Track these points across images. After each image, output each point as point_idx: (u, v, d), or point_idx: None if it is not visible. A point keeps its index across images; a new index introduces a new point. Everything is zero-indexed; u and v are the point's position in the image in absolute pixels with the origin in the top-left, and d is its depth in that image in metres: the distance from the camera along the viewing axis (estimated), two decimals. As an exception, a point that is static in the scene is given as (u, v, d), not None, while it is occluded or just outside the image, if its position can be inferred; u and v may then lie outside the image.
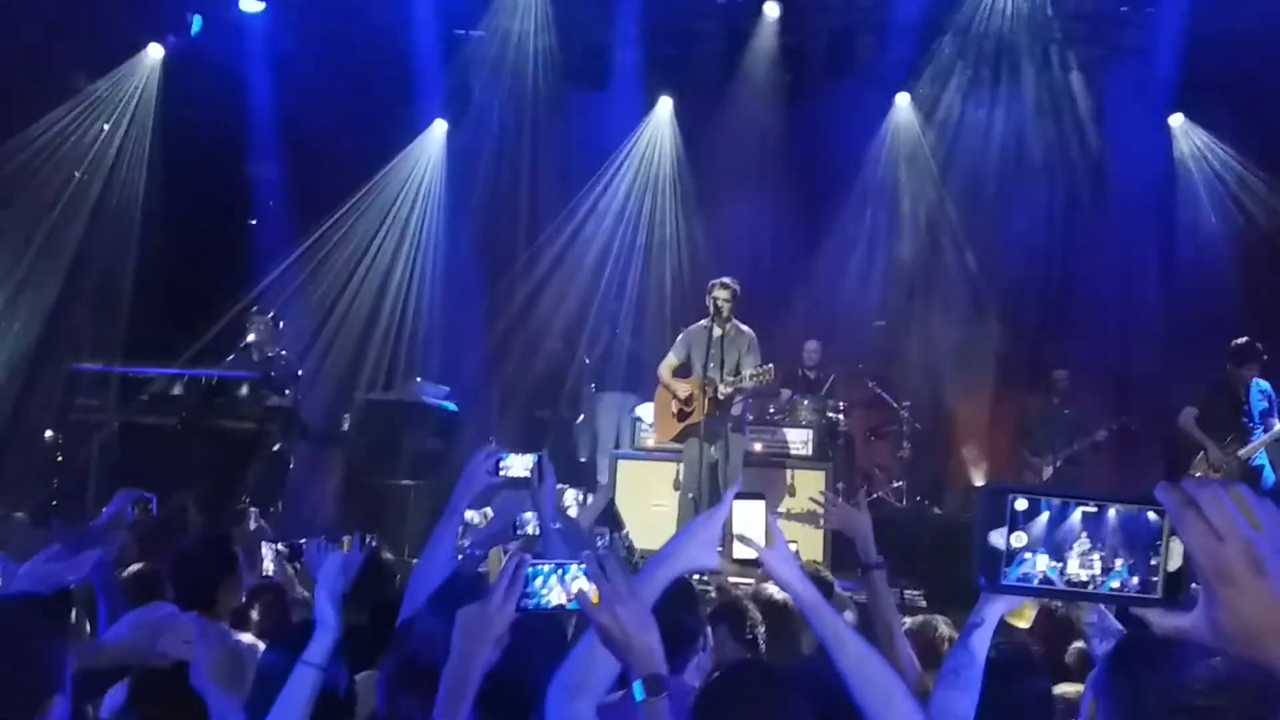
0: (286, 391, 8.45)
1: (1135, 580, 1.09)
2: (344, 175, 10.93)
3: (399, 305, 11.11)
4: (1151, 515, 1.09)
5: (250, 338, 8.62)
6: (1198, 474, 7.65)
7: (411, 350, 10.82)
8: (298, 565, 5.18)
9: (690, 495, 7.83)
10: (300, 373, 8.83)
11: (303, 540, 5.38)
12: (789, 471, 8.61)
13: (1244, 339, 8.06)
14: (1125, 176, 10.63)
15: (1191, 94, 10.12)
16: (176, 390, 8.17)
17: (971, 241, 11.10)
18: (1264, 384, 7.84)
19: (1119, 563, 1.10)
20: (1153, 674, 1.95)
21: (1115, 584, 1.10)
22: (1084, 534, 1.10)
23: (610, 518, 8.07)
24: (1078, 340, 10.48)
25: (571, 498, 8.07)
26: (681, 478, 8.12)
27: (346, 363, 10.65)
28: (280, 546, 5.62)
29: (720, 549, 2.01)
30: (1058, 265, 11.01)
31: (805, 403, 9.40)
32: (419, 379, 9.66)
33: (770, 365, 7.65)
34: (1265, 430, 7.73)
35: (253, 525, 6.97)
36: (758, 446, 8.71)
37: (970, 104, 11.02)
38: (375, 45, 10.47)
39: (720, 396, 7.67)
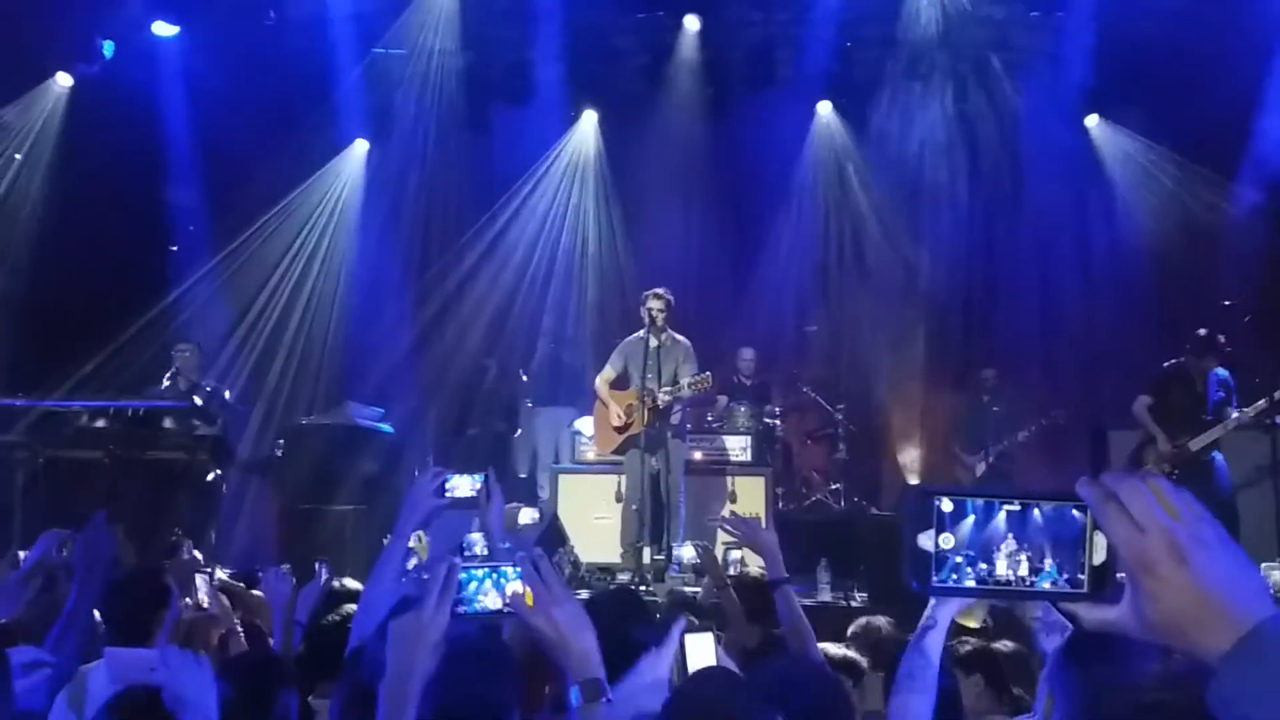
0: (216, 420, 8.28)
1: (1063, 577, 1.10)
2: (264, 197, 10.78)
3: (325, 328, 10.93)
4: (1075, 511, 1.10)
5: (176, 366, 8.46)
6: (1148, 464, 7.80)
7: (342, 373, 10.65)
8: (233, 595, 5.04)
9: (634, 507, 7.85)
10: (229, 399, 8.65)
11: (259, 569, 5.28)
12: (729, 478, 8.66)
13: (1205, 331, 8.16)
14: (1044, 177, 10.89)
15: (1104, 94, 10.40)
16: (103, 423, 7.94)
17: (897, 245, 11.30)
18: (1223, 373, 7.93)
19: (1046, 560, 1.10)
20: (1106, 666, 1.99)
21: (1044, 582, 1.11)
22: (1010, 534, 1.11)
23: (554, 532, 8.04)
24: (1004, 338, 10.72)
25: (528, 515, 8.01)
26: (624, 489, 8.12)
27: (276, 388, 10.46)
28: (223, 575, 5.50)
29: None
30: (981, 266, 11.23)
31: (742, 409, 9.47)
32: (351, 401, 9.51)
33: (708, 373, 7.70)
34: (1222, 419, 7.81)
35: (185, 556, 6.81)
36: (697, 455, 8.75)
37: (890, 111, 11.19)
38: (293, 66, 10.31)
39: (659, 406, 7.69)
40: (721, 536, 8.22)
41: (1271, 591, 3.87)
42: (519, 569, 1.95)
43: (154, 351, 9.33)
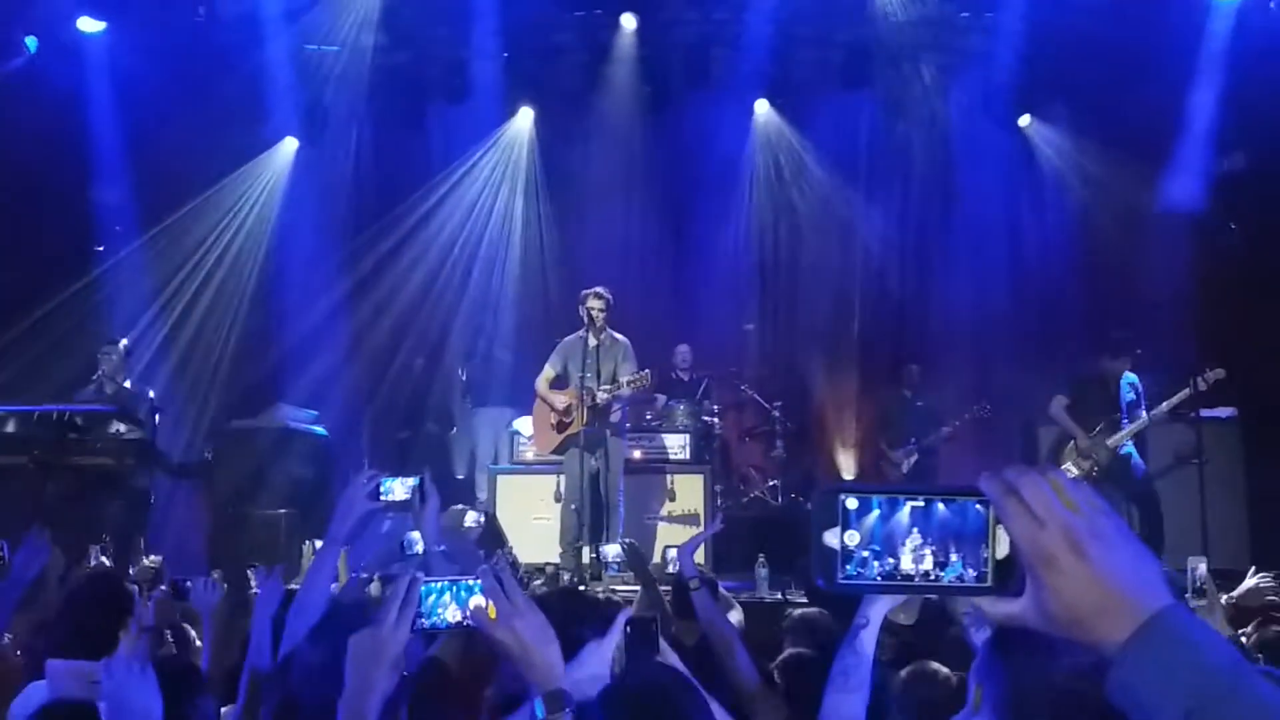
0: (143, 422, 8.11)
1: (969, 571, 1.11)
2: (193, 196, 10.56)
3: (256, 328, 10.74)
4: (978, 506, 1.11)
5: (101, 369, 8.26)
6: (1067, 463, 7.99)
7: (274, 374, 10.47)
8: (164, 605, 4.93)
9: (573, 506, 7.83)
10: (155, 402, 8.47)
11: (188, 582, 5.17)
12: (669, 476, 8.66)
13: (1119, 333, 8.40)
14: (977, 175, 11.06)
15: (1035, 93, 10.57)
16: (26, 428, 7.73)
17: (833, 243, 11.39)
18: (1133, 377, 8.15)
19: (951, 555, 1.11)
20: (1031, 656, 2.02)
21: (949, 576, 1.12)
22: (914, 529, 1.12)
23: (492, 534, 7.99)
24: (937, 335, 10.88)
25: (472, 518, 7.94)
26: (563, 489, 8.10)
27: (206, 390, 10.27)
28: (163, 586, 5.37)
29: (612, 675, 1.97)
30: (915, 263, 11.40)
31: (681, 408, 9.49)
32: (283, 404, 9.37)
33: (647, 371, 7.71)
34: (1133, 420, 8.06)
35: (93, 563, 6.66)
36: (636, 453, 8.75)
37: (826, 111, 11.30)
38: (223, 62, 10.13)
39: (598, 405, 7.68)
40: (661, 536, 8.26)
41: (1199, 582, 3.94)
42: (480, 582, 1.91)
43: (79, 354, 9.11)
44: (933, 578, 1.12)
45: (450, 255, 11.37)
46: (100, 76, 9.95)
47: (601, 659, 1.97)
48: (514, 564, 7.73)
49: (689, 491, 8.62)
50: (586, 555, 7.68)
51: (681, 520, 8.41)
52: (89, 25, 9.84)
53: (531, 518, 8.47)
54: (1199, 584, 4.21)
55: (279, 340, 10.63)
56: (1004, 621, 1.08)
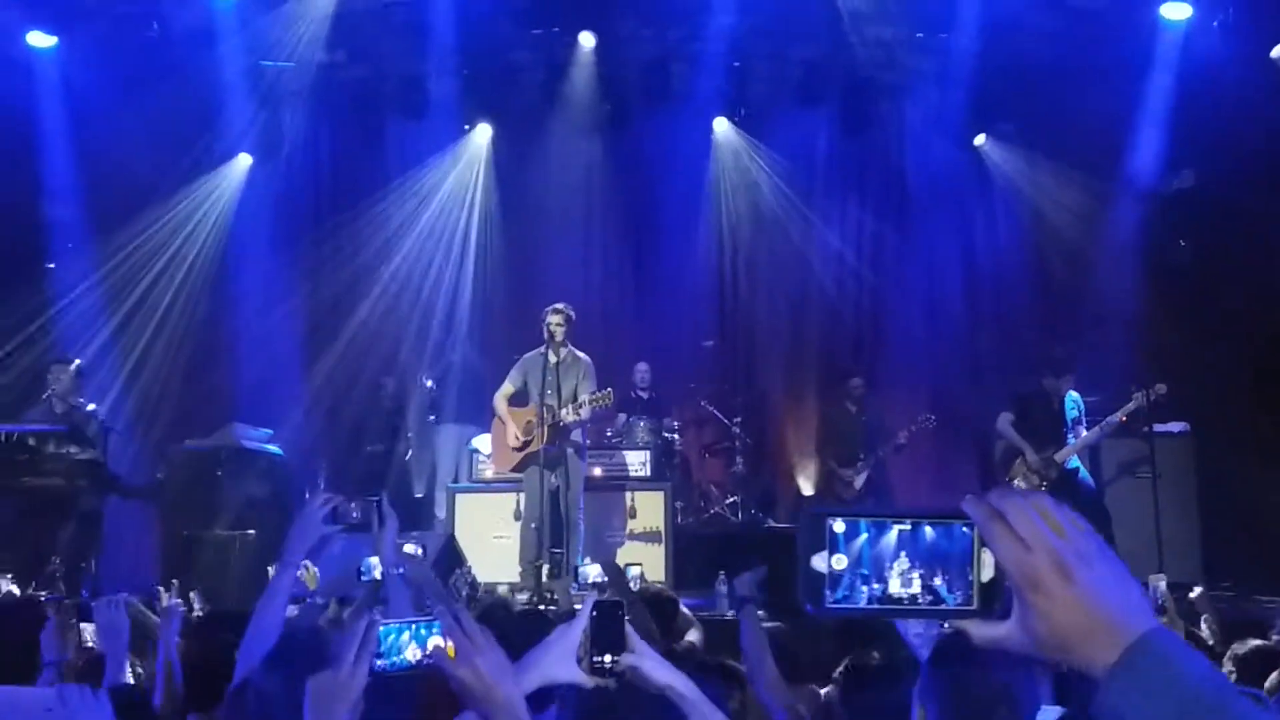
0: (94, 443, 7.97)
1: (955, 594, 1.12)
2: (146, 213, 10.42)
3: (209, 347, 10.59)
4: (963, 529, 1.12)
5: (52, 389, 8.12)
6: (1017, 478, 8.09)
7: (228, 394, 10.33)
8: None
9: (533, 525, 7.77)
10: (107, 422, 8.33)
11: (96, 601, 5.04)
12: (629, 494, 8.66)
13: (1063, 351, 8.57)
14: (931, 193, 11.18)
15: (989, 112, 10.70)
16: (-26, 449, 7.59)
17: (790, 259, 11.46)
18: (1075, 395, 8.28)
19: (937, 578, 1.12)
20: (970, 669, 2.06)
21: (935, 599, 1.13)
22: (901, 552, 1.13)
23: (451, 553, 7.92)
24: (893, 349, 10.98)
25: (410, 548, 7.86)
26: (523, 508, 8.05)
27: (158, 410, 10.12)
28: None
29: (579, 659, 1.95)
30: (868, 278, 11.49)
31: (641, 424, 9.50)
32: (237, 423, 9.24)
33: (609, 390, 7.71)
34: (1076, 437, 8.18)
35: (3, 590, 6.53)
36: (597, 471, 8.74)
37: (784, 129, 11.38)
38: (177, 78, 10.00)
39: (560, 423, 7.64)
40: (622, 554, 8.23)
41: (1160, 600, 3.97)
42: (439, 623, 1.93)
43: (29, 373, 8.97)
44: (920, 601, 1.13)
45: (407, 272, 11.31)
46: (51, 92, 9.80)
47: (568, 644, 1.96)
48: (473, 584, 7.67)
49: (649, 509, 8.62)
50: (545, 573, 7.64)
51: (642, 538, 8.41)
52: (40, 40, 9.68)
53: (491, 536, 8.43)
54: (1160, 601, 4.24)
55: (233, 359, 10.50)
56: (991, 645, 1.09)
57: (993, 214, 11.21)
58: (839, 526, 1.13)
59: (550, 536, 7.67)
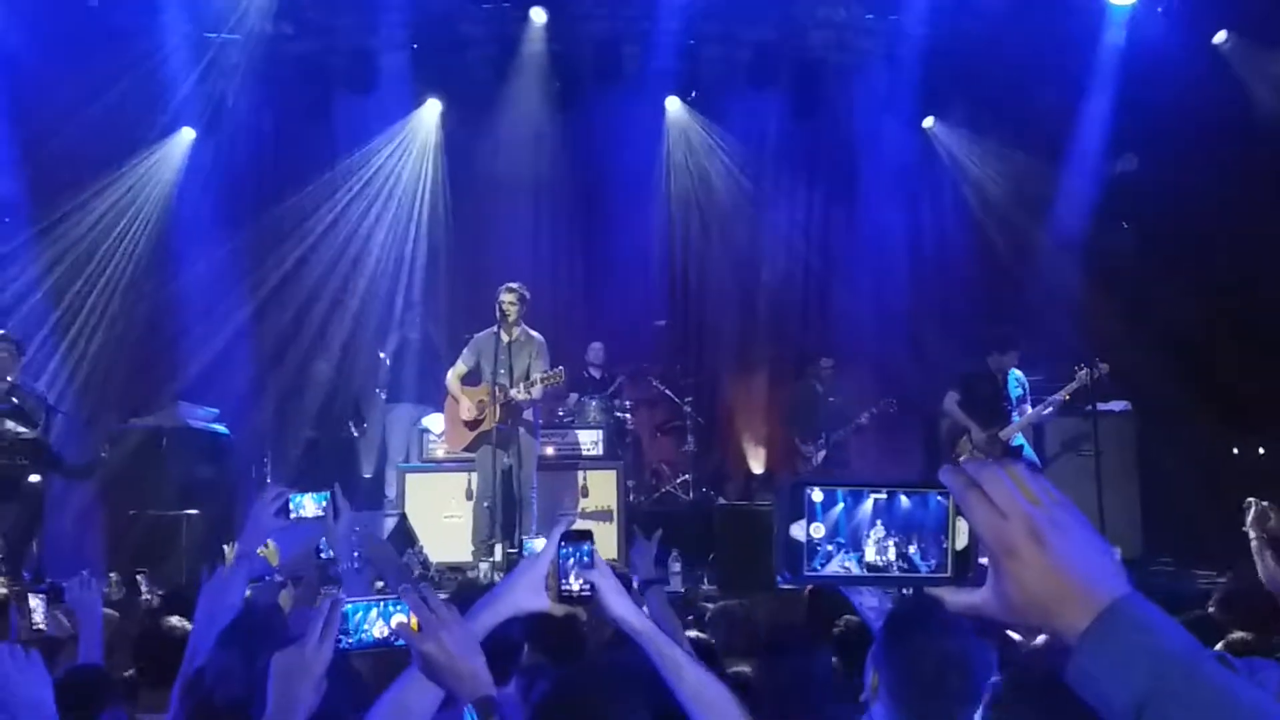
0: (36, 421, 7.80)
1: (929, 562, 1.14)
2: (86, 187, 10.15)
3: (152, 323, 10.37)
4: (938, 498, 1.14)
5: (-11, 366, 7.92)
6: (963, 455, 8.22)
7: (171, 371, 10.15)
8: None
9: (485, 504, 7.77)
10: (49, 400, 8.15)
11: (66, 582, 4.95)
12: (581, 473, 8.67)
13: (1005, 329, 8.71)
14: (878, 174, 11.27)
15: (938, 94, 10.81)
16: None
17: (741, 240, 11.50)
18: (1019, 373, 8.43)
19: (912, 546, 1.14)
20: (925, 637, 2.10)
21: (910, 567, 1.14)
22: (877, 521, 1.14)
23: (403, 534, 7.88)
24: (841, 330, 11.08)
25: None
26: (475, 487, 8.02)
27: (101, 389, 9.91)
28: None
29: (547, 588, 2.00)
30: (818, 258, 11.58)
31: (593, 404, 9.51)
32: (182, 401, 9.09)
33: (560, 369, 7.69)
34: (1020, 415, 8.31)
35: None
36: (549, 450, 8.73)
37: (735, 109, 11.40)
38: (118, 49, 9.76)
39: (512, 402, 7.62)
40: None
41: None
42: (404, 601, 1.95)
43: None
44: (895, 569, 1.14)
45: (355, 248, 11.17)
46: (-13, 60, 9.54)
47: (536, 574, 1.99)
48: (425, 563, 7.65)
49: (602, 487, 8.64)
50: (500, 553, 7.63)
51: (595, 516, 8.42)
52: (-26, 6, 9.41)
53: (442, 516, 8.39)
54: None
55: (177, 336, 10.31)
56: (965, 611, 1.10)
57: (940, 196, 11.35)
58: (817, 496, 1.14)
59: (503, 515, 7.66)
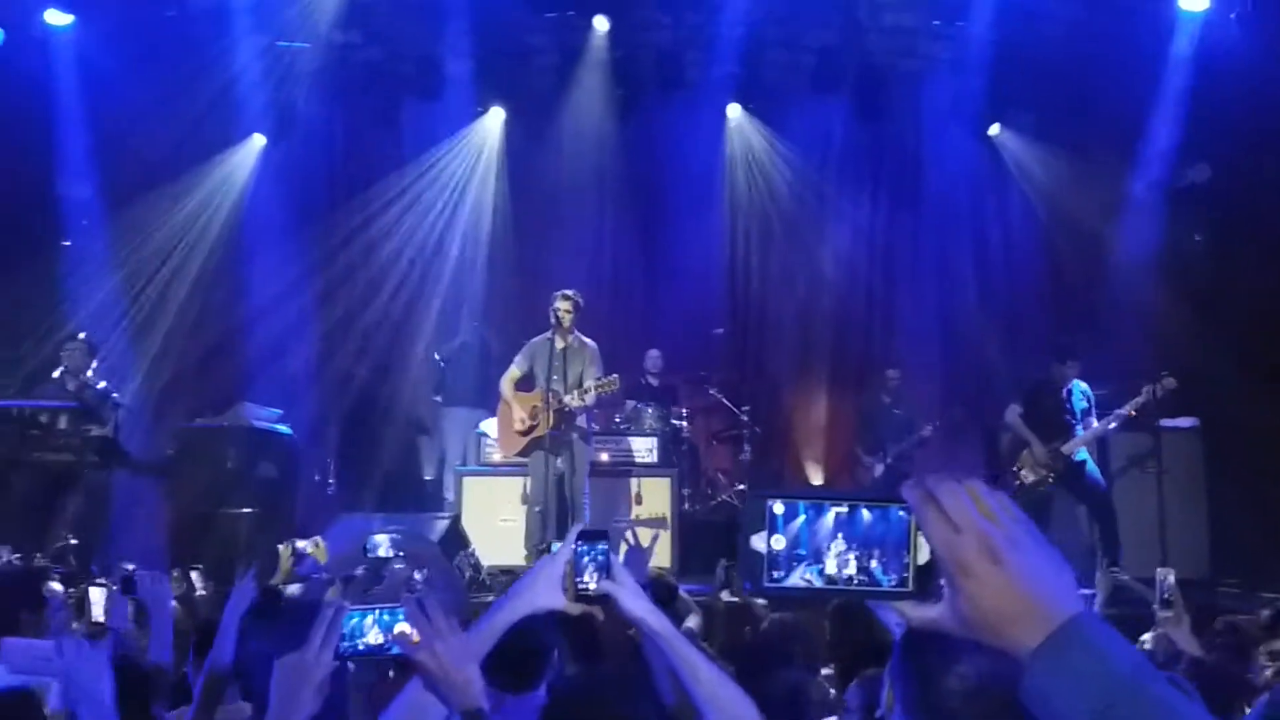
0: (105, 419, 8.04)
1: (891, 576, 1.14)
2: (161, 192, 10.46)
3: (221, 326, 10.63)
4: (900, 512, 1.14)
5: (64, 365, 8.18)
6: (1024, 470, 8.08)
7: (238, 373, 10.39)
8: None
9: (538, 509, 7.82)
10: (118, 399, 8.39)
11: (132, 569, 5.08)
12: (635, 480, 8.69)
13: (1067, 340, 8.54)
14: (945, 181, 11.13)
15: (1005, 101, 10.64)
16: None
17: (803, 247, 11.44)
18: (1084, 385, 8.23)
19: (873, 560, 1.14)
20: (937, 656, 2.07)
21: (870, 581, 1.14)
22: (839, 534, 1.14)
23: (455, 536, 7.97)
24: (906, 340, 10.96)
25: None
26: (528, 492, 8.09)
27: (169, 388, 10.18)
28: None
29: (564, 587, 2.02)
30: (883, 269, 11.46)
31: (649, 411, 9.52)
32: (247, 402, 9.31)
33: (615, 376, 7.73)
34: (1085, 428, 8.14)
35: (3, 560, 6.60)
36: (604, 456, 8.77)
37: (798, 115, 11.35)
38: (193, 58, 10.05)
39: (567, 409, 7.66)
40: (628, 539, 8.23)
41: (1166, 595, 3.93)
42: (403, 609, 2.01)
43: (43, 349, 9.04)
44: (856, 582, 1.14)
45: (419, 254, 11.33)
46: (68, 69, 9.84)
47: (553, 573, 2.02)
48: (476, 566, 7.73)
49: (656, 495, 8.65)
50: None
51: (648, 523, 8.42)
52: (57, 18, 9.72)
53: (498, 519, 8.47)
54: (1166, 595, 4.20)
55: (244, 338, 10.56)
56: (923, 626, 1.11)
57: (1006, 204, 11.16)
58: (778, 508, 1.15)
59: (555, 521, 7.71)
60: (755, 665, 3.26)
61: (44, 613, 3.68)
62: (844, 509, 1.14)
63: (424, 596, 1.96)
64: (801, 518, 1.14)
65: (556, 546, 2.09)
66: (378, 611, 2.07)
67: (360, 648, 2.06)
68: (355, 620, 2.05)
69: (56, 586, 4.35)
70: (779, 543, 1.14)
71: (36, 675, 2.56)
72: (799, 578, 1.14)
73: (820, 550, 1.14)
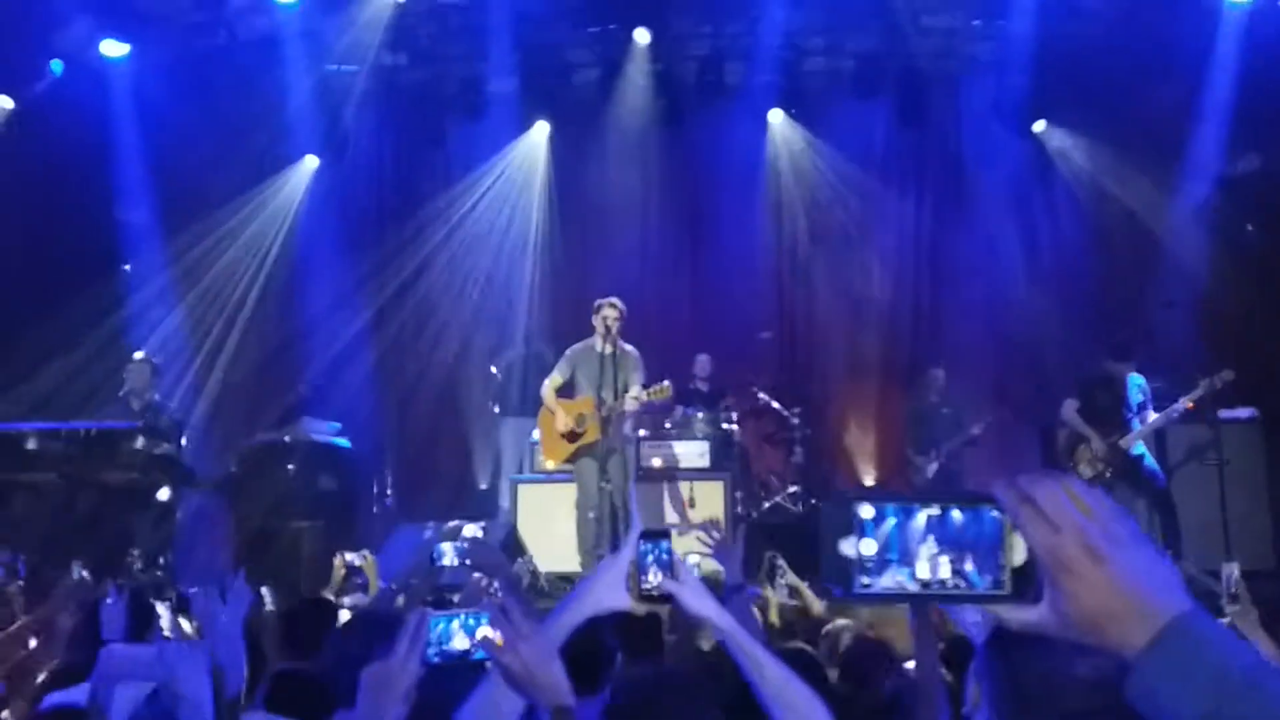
0: (169, 438, 8.20)
1: (986, 578, 1.10)
2: (216, 215, 10.72)
3: (279, 343, 10.84)
4: (993, 513, 1.10)
5: (128, 385, 8.37)
6: (1081, 465, 8.00)
7: (297, 388, 10.57)
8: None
9: (591, 515, 7.85)
10: (180, 418, 8.57)
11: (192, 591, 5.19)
12: (688, 484, 8.71)
13: (1124, 335, 8.46)
14: (988, 181, 11.08)
15: (1048, 100, 10.57)
16: (54, 445, 7.84)
17: (847, 250, 11.43)
18: (1139, 379, 8.15)
19: (967, 563, 1.10)
20: (1026, 654, 2.08)
21: (965, 583, 1.11)
22: (930, 536, 1.11)
23: (512, 543, 8.05)
24: (954, 340, 10.89)
25: (473, 530, 8.01)
26: (579, 498, 8.13)
27: (229, 405, 10.39)
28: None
29: (629, 587, 2.02)
30: (930, 269, 11.42)
31: (699, 416, 9.54)
32: (306, 417, 9.48)
33: (668, 382, 7.76)
34: (1142, 422, 8.06)
35: (75, 577, 6.70)
36: (656, 461, 8.80)
37: (841, 118, 11.36)
38: (245, 83, 10.31)
39: (622, 412, 7.71)
40: (682, 544, 8.26)
41: (1233, 586, 3.89)
42: (487, 613, 2.02)
43: (107, 370, 9.25)
44: (949, 586, 1.11)
45: (469, 267, 11.48)
46: (124, 98, 10.12)
47: (616, 573, 2.04)
48: (534, 573, 7.80)
49: (709, 498, 8.66)
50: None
51: (700, 527, 8.42)
52: (113, 49, 9.98)
53: (553, 526, 8.51)
54: (1232, 589, 4.14)
55: (302, 354, 10.76)
56: (1022, 629, 1.09)
57: (1054, 201, 11.07)
58: (866, 511, 1.12)
59: (609, 526, 7.75)
60: (859, 671, 3.26)
61: (153, 629, 3.77)
62: (935, 511, 1.11)
63: (505, 600, 1.99)
64: (892, 520, 1.11)
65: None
66: (463, 616, 2.11)
67: (446, 653, 2.10)
68: (441, 626, 2.09)
69: (161, 606, 4.46)
70: (869, 547, 1.11)
71: (138, 680, 2.63)
72: (890, 581, 1.11)
73: (911, 553, 1.11)
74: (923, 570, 1.11)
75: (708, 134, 11.23)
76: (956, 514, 1.11)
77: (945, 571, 1.10)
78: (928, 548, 1.11)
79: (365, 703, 1.96)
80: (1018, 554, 1.09)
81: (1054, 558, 1.01)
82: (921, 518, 1.11)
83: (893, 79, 10.89)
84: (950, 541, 1.10)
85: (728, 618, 2.05)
